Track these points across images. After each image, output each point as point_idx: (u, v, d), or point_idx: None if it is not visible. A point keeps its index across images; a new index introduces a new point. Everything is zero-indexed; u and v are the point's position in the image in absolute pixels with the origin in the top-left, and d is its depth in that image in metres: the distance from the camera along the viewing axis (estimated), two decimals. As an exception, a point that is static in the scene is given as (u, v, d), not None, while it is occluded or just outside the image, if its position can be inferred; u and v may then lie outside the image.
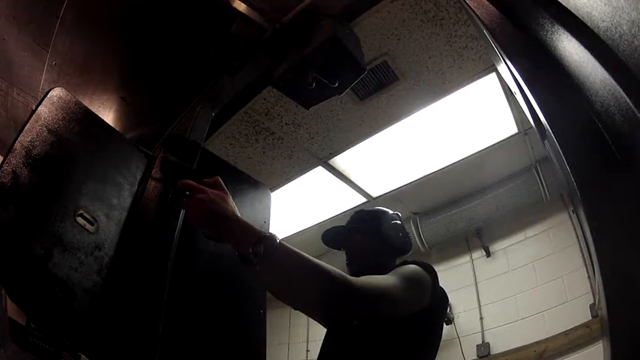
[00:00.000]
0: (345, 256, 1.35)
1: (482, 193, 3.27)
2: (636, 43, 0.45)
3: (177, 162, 0.85)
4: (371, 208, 1.43)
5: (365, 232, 1.32)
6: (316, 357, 1.11)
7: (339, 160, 3.01)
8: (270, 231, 0.80)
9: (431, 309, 1.04)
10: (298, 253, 0.78)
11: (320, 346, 1.13)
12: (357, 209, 1.44)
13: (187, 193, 0.82)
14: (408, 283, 0.98)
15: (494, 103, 2.61)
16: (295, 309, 0.90)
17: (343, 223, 1.42)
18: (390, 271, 1.14)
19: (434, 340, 1.12)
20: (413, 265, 1.09)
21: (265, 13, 1.61)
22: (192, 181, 0.82)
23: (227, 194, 0.84)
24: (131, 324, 1.12)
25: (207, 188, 0.82)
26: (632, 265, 0.47)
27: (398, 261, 1.30)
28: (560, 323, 2.63)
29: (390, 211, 1.41)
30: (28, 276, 0.98)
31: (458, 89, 2.47)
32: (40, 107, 1.17)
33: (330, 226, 1.42)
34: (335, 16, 1.46)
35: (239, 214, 0.81)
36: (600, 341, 1.97)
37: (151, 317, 1.15)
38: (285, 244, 0.77)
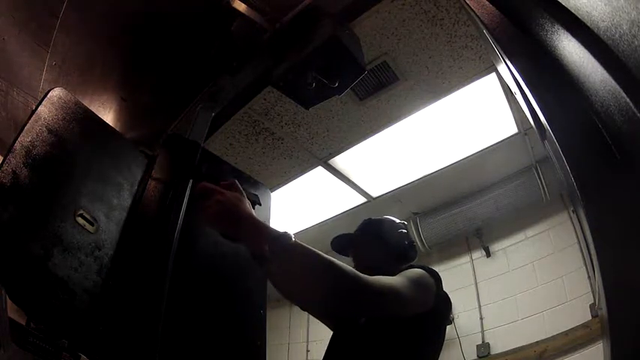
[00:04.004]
0: (352, 262, 1.39)
1: (482, 193, 3.27)
2: (636, 43, 0.45)
3: (196, 166, 0.87)
4: (379, 217, 1.49)
5: (373, 240, 1.38)
6: (316, 357, 1.12)
7: (339, 160, 3.01)
8: (285, 230, 0.82)
9: (434, 312, 1.07)
10: (312, 250, 0.81)
11: (319, 346, 1.14)
12: (366, 218, 1.50)
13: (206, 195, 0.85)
14: (415, 284, 1.01)
15: (494, 103, 2.60)
16: (304, 309, 0.91)
17: (346, 225, 1.46)
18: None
19: (437, 343, 1.14)
20: (418, 269, 1.12)
21: (265, 13, 1.61)
22: (210, 184, 0.85)
23: (243, 196, 0.88)
24: (131, 324, 1.12)
25: (224, 190, 0.85)
26: (631, 264, 0.47)
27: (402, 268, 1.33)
28: (560, 323, 2.63)
29: (397, 220, 1.46)
30: (28, 276, 0.99)
31: (458, 89, 2.47)
32: (40, 107, 1.17)
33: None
34: (335, 16, 1.46)
35: (255, 215, 0.84)
36: (600, 341, 1.97)
37: (151, 317, 1.15)
38: (299, 241, 0.80)
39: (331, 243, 1.47)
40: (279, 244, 0.77)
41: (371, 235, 1.40)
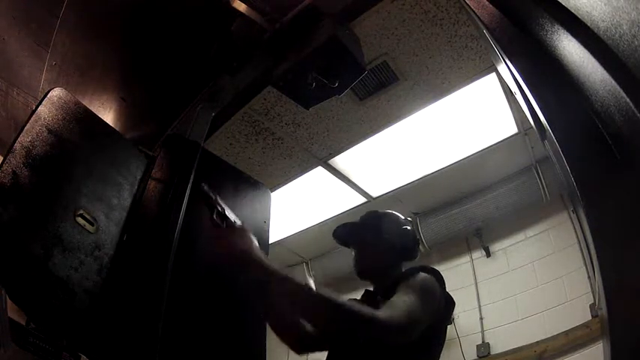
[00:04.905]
0: (352, 253, 1.36)
1: (482, 193, 3.27)
2: (636, 43, 0.45)
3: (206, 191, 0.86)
4: (384, 211, 1.45)
5: (376, 234, 1.34)
6: (316, 357, 1.11)
7: (339, 160, 3.01)
8: (302, 280, 0.81)
9: (439, 316, 1.07)
10: (329, 297, 0.80)
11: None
12: (371, 209, 1.46)
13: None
14: (426, 299, 1.02)
15: (494, 103, 2.60)
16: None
17: (351, 221, 1.43)
18: (397, 275, 1.19)
19: (438, 343, 1.13)
20: (425, 275, 1.11)
21: (265, 13, 1.61)
22: (220, 228, 0.85)
23: (249, 235, 0.86)
24: (131, 324, 1.12)
25: (234, 236, 0.84)
26: (631, 264, 0.47)
27: (404, 265, 1.32)
28: (560, 323, 2.63)
29: (402, 217, 1.43)
30: (28, 276, 0.99)
31: (458, 89, 2.47)
32: (40, 107, 1.17)
33: (330, 226, 1.44)
34: (335, 16, 1.46)
35: (263, 258, 0.84)
36: (600, 341, 1.97)
37: (150, 317, 1.15)
38: (314, 287, 0.80)
39: (333, 233, 1.42)
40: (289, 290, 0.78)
41: (374, 229, 1.35)
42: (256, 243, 0.86)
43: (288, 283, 0.80)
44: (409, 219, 1.44)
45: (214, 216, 0.85)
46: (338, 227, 1.43)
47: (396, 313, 0.91)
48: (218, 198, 0.87)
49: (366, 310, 0.84)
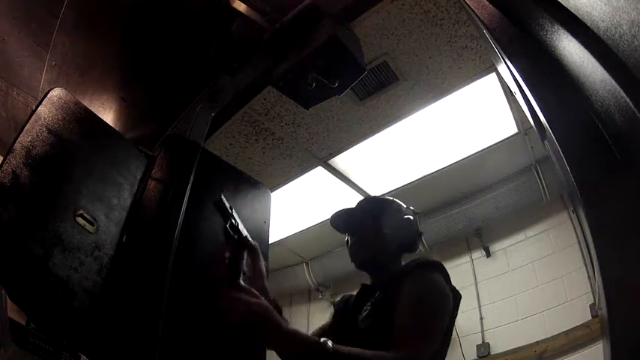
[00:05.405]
0: (350, 240, 1.29)
1: (482, 193, 3.27)
2: (636, 43, 0.45)
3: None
4: (386, 198, 1.37)
5: (377, 225, 1.26)
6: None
7: (339, 160, 3.01)
8: (323, 339, 0.78)
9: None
10: (352, 354, 0.80)
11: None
12: (372, 195, 1.42)
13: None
14: (440, 311, 1.02)
15: (494, 103, 2.60)
16: None
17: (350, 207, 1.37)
18: (397, 270, 1.17)
19: (445, 340, 1.11)
20: (431, 278, 1.08)
21: (265, 13, 1.61)
22: (235, 292, 0.80)
23: (267, 304, 0.81)
24: (131, 324, 1.12)
25: (250, 299, 0.79)
26: (631, 264, 0.47)
27: (404, 257, 1.28)
28: (560, 323, 2.63)
29: (404, 205, 1.34)
30: (28, 276, 0.99)
31: (458, 89, 2.47)
32: (40, 107, 1.17)
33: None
34: (335, 16, 1.46)
35: (283, 322, 0.79)
36: (600, 341, 1.97)
37: (150, 317, 1.15)
38: (338, 347, 0.78)
39: (331, 219, 1.34)
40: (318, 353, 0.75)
41: (374, 219, 1.26)
42: (269, 305, 0.79)
43: (305, 351, 0.76)
44: (411, 208, 1.35)
45: (227, 226, 0.83)
46: (336, 213, 1.33)
47: (411, 347, 0.90)
48: (234, 211, 0.85)
49: (380, 355, 0.83)
